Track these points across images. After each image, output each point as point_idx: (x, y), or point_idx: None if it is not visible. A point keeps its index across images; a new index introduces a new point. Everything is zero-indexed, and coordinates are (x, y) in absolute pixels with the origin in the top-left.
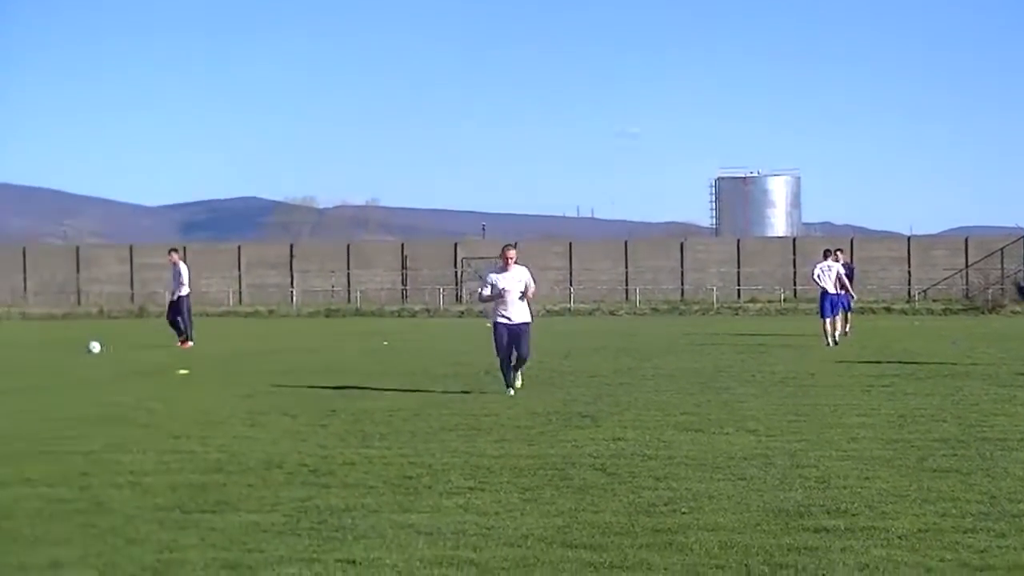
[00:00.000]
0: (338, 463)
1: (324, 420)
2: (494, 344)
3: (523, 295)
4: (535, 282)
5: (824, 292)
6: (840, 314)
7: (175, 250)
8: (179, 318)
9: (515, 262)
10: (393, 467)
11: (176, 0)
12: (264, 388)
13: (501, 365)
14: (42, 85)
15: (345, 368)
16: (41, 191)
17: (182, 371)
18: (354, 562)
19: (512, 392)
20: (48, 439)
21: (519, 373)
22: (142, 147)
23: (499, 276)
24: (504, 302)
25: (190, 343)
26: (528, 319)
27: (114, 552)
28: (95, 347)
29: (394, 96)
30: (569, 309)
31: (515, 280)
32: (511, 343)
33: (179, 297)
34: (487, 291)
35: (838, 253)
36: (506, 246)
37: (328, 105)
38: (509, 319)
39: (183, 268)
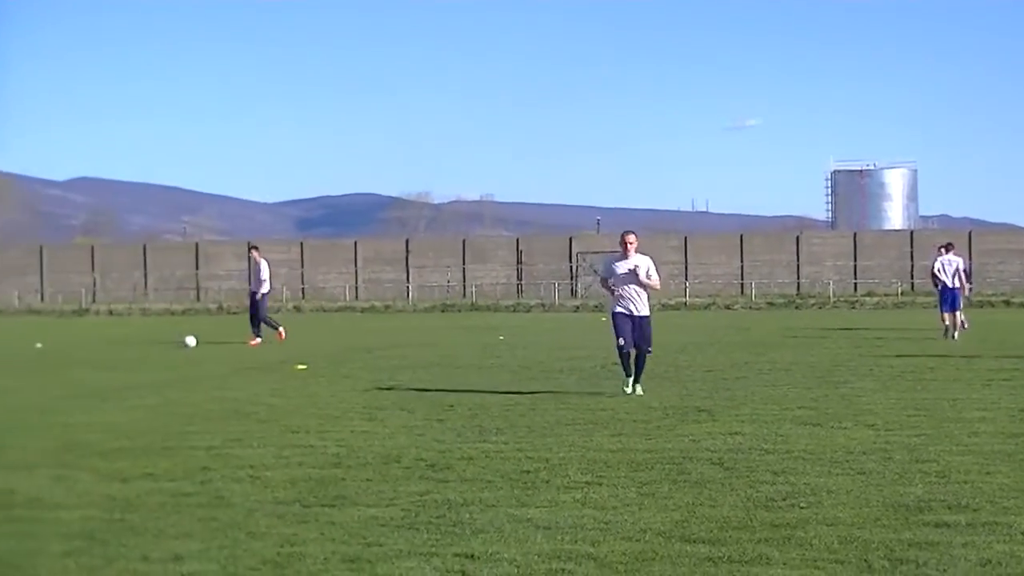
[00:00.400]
0: (456, 458)
1: (441, 415)
2: (613, 335)
3: (644, 285)
4: (658, 273)
5: (944, 286)
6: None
7: (256, 248)
8: (258, 315)
9: (636, 250)
10: (510, 462)
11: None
12: (381, 383)
13: (621, 359)
14: (161, 85)
15: (461, 363)
16: (161, 189)
17: (300, 366)
18: (472, 556)
19: (630, 389)
20: (170, 434)
21: (639, 384)
22: (260, 145)
23: (619, 263)
24: (623, 292)
25: (258, 340)
26: (647, 312)
27: (235, 545)
28: (191, 341)
29: (508, 91)
30: (684, 303)
31: (632, 267)
32: (631, 334)
33: (262, 295)
34: (605, 275)
35: (943, 248)
36: (625, 232)
37: (443, 101)
38: (628, 311)
39: (264, 265)
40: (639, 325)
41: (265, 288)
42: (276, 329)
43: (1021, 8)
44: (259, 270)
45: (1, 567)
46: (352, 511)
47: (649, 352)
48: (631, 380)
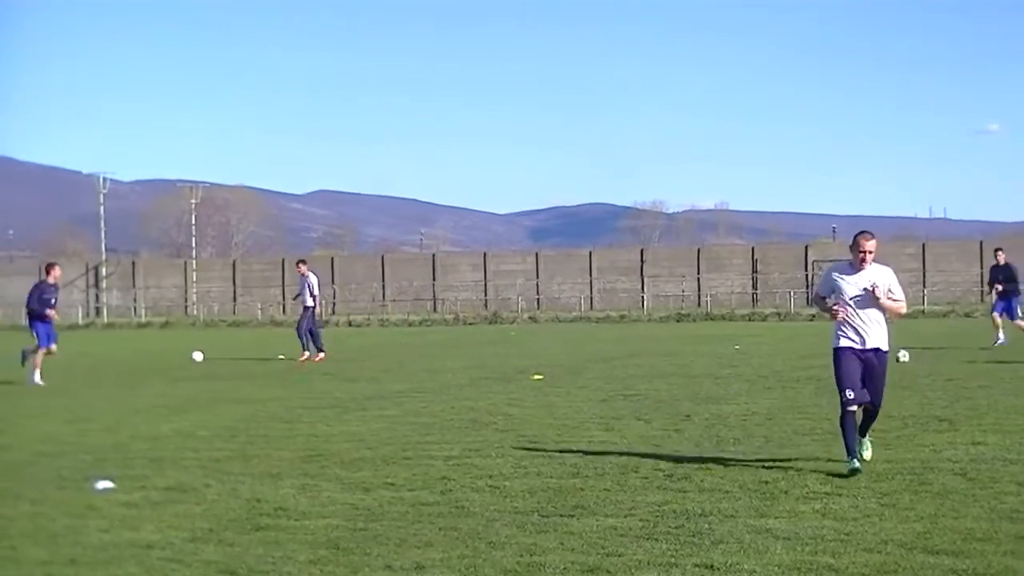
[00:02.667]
0: (694, 468)
1: (678, 425)
2: (835, 377)
3: (883, 308)
4: (903, 291)
5: None
6: None
7: (303, 262)
8: (309, 330)
9: (875, 259)
10: (749, 471)
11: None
12: (618, 393)
13: (843, 417)
14: (397, 100)
15: (698, 372)
16: (399, 201)
17: (536, 376)
18: (712, 567)
19: (857, 464)
20: (409, 444)
21: (867, 439)
22: (494, 157)
23: (847, 277)
24: (852, 316)
25: (307, 354)
26: (885, 346)
27: (475, 555)
28: (198, 356)
29: (742, 100)
30: (922, 311)
31: (871, 283)
32: (859, 379)
33: (307, 308)
34: (822, 292)
35: (997, 254)
36: (862, 234)
37: (676, 109)
38: (857, 343)
39: (312, 280)
40: (873, 363)
41: (310, 302)
42: (305, 351)
43: None
44: (309, 285)
45: (250, 575)
46: (591, 521)
47: (877, 408)
48: (855, 460)
